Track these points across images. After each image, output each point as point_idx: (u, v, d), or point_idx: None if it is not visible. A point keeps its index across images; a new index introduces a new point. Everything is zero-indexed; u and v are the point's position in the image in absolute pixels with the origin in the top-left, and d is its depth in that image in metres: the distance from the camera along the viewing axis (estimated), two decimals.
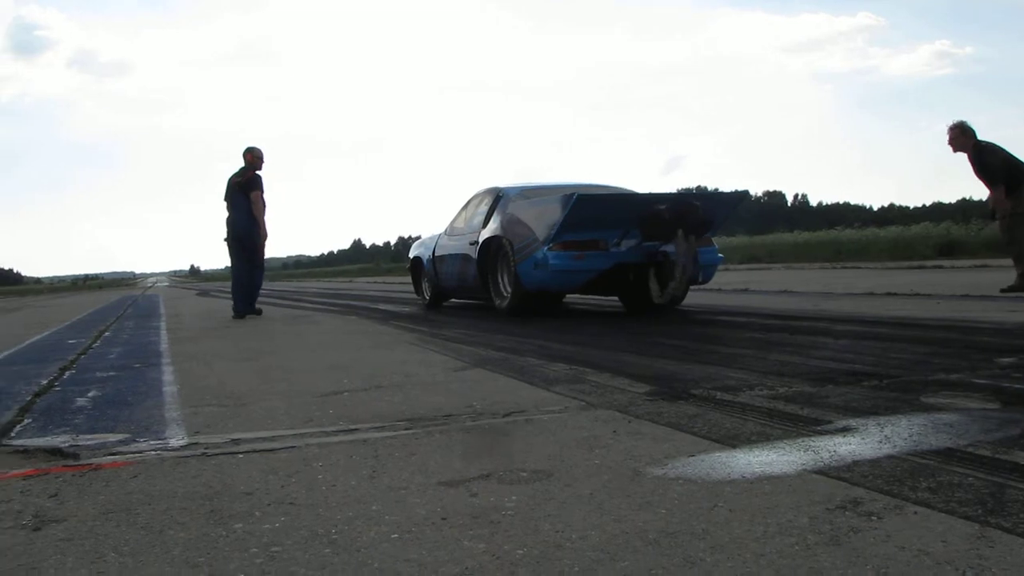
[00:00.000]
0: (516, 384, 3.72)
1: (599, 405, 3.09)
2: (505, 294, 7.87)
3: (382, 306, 11.18)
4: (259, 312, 9.79)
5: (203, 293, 24.29)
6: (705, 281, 7.59)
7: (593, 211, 7.01)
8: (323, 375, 4.31)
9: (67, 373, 4.89)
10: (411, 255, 11.06)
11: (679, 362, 4.19)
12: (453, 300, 10.14)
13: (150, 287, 46.79)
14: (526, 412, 3.03)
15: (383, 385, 3.83)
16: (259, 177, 9.46)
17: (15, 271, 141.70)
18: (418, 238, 11.73)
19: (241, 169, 9.52)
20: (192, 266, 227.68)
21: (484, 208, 8.60)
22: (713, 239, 7.73)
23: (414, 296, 11.24)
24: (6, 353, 6.57)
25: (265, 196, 9.40)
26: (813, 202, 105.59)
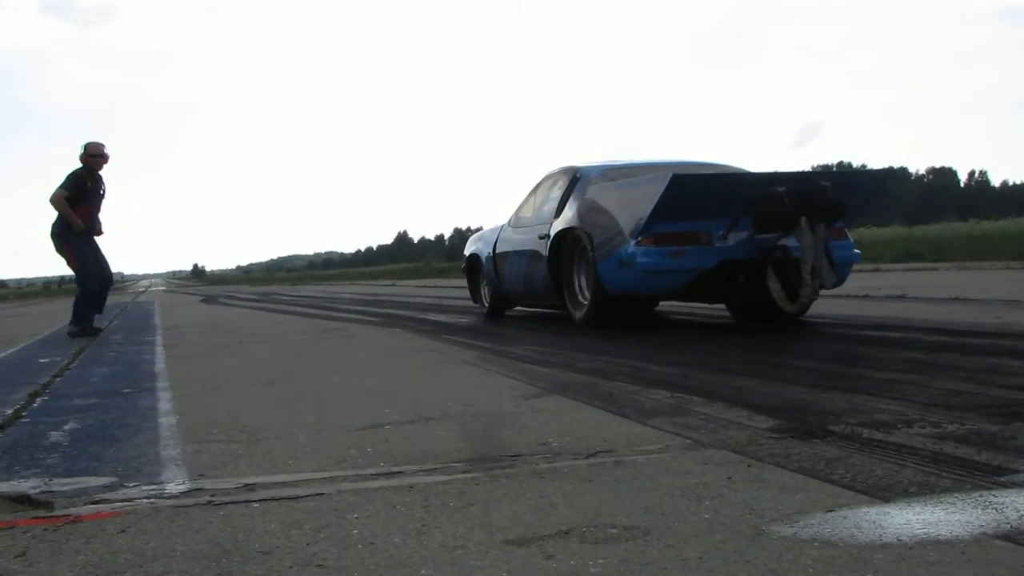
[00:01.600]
0: (603, 416, 3.71)
1: (710, 444, 3.07)
2: (583, 301, 7.85)
3: (433, 316, 11.26)
4: (92, 332, 10.03)
5: (209, 300, 24.66)
6: (838, 284, 7.42)
7: (693, 195, 6.95)
8: (360, 403, 4.36)
9: (38, 400, 5.01)
10: (467, 252, 11.10)
11: (813, 389, 4.14)
12: (519, 308, 10.17)
13: (143, 292, 47.80)
14: (616, 452, 3.02)
15: (435, 416, 3.86)
16: (69, 175, 9.95)
17: None
18: (478, 230, 11.78)
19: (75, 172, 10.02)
20: (196, 266, 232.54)
21: (558, 192, 8.59)
22: (848, 231, 7.61)
23: (471, 304, 11.30)
24: None
25: (66, 191, 9.79)
26: (995, 182, 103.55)
